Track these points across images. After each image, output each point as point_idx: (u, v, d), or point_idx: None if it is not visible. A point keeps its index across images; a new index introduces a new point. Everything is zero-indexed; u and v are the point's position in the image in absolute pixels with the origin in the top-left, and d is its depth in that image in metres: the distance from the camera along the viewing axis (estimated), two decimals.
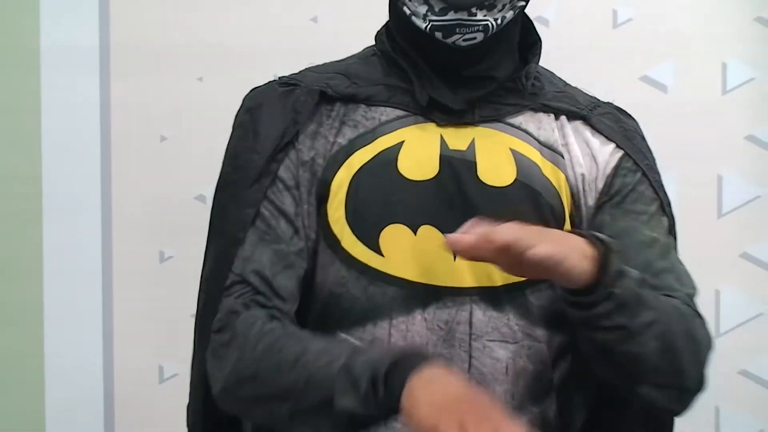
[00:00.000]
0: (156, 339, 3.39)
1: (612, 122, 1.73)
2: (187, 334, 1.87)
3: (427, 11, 1.60)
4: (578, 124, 1.71)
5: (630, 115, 1.77)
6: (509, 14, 1.62)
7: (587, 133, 1.71)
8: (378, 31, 1.81)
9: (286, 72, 1.86)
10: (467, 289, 1.62)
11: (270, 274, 1.61)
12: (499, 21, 1.60)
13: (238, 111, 1.75)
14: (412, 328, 1.62)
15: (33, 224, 3.32)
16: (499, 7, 1.60)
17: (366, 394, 1.35)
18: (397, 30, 1.72)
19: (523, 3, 1.63)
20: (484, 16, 1.59)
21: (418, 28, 1.61)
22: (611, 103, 1.76)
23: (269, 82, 1.77)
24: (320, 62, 1.85)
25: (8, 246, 3.36)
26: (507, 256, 1.41)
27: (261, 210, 1.63)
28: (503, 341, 1.64)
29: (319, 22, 3.38)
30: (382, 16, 1.84)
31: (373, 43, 1.82)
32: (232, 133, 1.76)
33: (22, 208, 3.34)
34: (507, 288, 1.63)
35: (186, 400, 1.88)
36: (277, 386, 1.49)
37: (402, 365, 1.34)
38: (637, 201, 1.70)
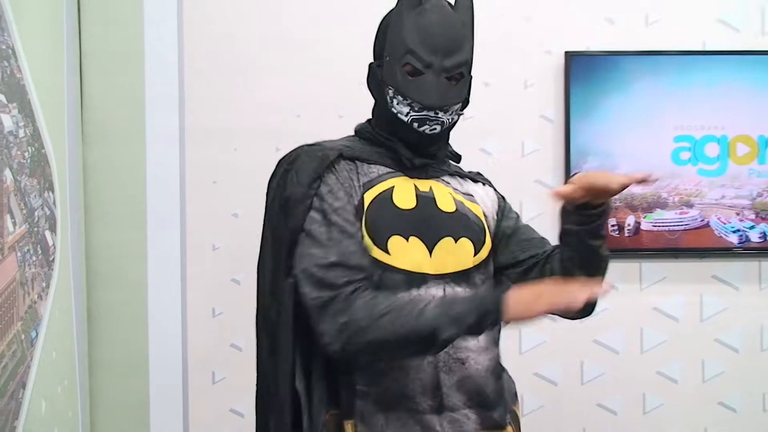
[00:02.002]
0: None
1: (483, 179, 2.42)
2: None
3: (408, 111, 2.09)
4: (467, 179, 2.35)
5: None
6: (455, 117, 2.17)
7: (477, 184, 2.37)
8: (359, 126, 2.29)
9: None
10: (441, 274, 2.11)
11: (358, 258, 2.03)
12: (449, 120, 2.15)
13: (279, 167, 2.21)
14: (411, 294, 2.07)
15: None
16: (450, 113, 2.14)
17: (470, 325, 1.89)
18: (382, 123, 2.20)
19: (462, 113, 2.19)
20: (442, 116, 2.12)
21: (401, 120, 2.11)
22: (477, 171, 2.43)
23: (296, 148, 2.21)
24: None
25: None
26: (589, 191, 2.02)
27: (333, 218, 2.05)
28: None
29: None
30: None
31: (353, 132, 2.31)
32: (273, 179, 2.21)
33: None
34: (461, 273, 2.14)
35: None
36: (388, 330, 1.92)
37: (499, 300, 1.88)
38: (510, 211, 2.38)
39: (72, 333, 3.36)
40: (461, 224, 2.16)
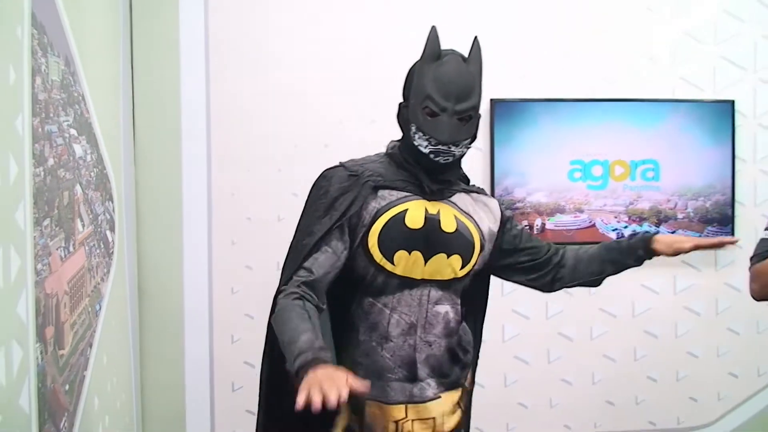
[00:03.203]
0: None
1: (485, 193, 2.26)
2: None
3: (427, 144, 1.99)
4: (475, 195, 2.20)
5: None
6: (464, 149, 2.05)
7: (482, 198, 2.22)
8: (392, 149, 2.15)
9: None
10: (428, 280, 2.07)
11: (313, 268, 1.98)
12: (460, 152, 2.04)
13: (319, 178, 2.12)
14: (402, 298, 2.06)
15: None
16: (461, 146, 2.02)
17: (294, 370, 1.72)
18: (406, 151, 2.08)
19: (470, 146, 2.05)
20: (454, 149, 2.01)
21: (421, 151, 2.02)
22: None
23: (338, 165, 2.11)
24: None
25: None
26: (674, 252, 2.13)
27: (329, 232, 1.99)
28: (442, 304, 2.10)
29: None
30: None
31: (388, 143, 2.20)
32: (313, 190, 2.11)
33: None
34: (445, 281, 2.09)
35: None
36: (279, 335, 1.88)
37: (310, 363, 1.69)
38: (511, 221, 2.26)
39: (126, 305, 3.36)
40: (456, 243, 2.07)
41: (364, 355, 2.08)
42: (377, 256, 2.02)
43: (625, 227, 3.89)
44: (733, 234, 3.91)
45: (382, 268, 2.03)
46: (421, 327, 2.07)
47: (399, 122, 2.13)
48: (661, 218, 3.90)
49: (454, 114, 1.98)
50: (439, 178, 2.09)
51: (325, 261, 2.00)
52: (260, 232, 3.72)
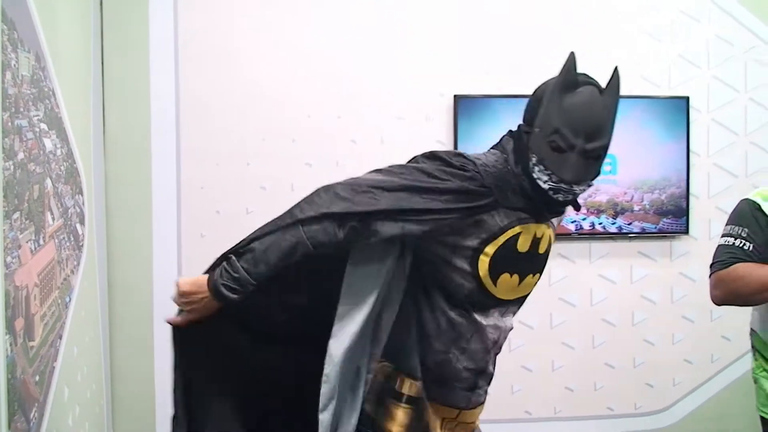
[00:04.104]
0: None
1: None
2: None
3: (547, 180, 1.76)
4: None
5: None
6: (587, 188, 1.83)
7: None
8: (500, 155, 1.89)
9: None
10: (510, 300, 1.94)
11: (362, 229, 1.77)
12: (581, 190, 1.82)
13: (450, 158, 1.83)
14: (491, 316, 1.91)
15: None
16: (583, 186, 1.80)
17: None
18: (524, 174, 1.82)
19: (592, 183, 1.83)
20: (576, 188, 1.79)
21: (539, 186, 1.78)
22: None
23: (470, 161, 1.83)
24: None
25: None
26: None
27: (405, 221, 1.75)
28: (510, 317, 2.00)
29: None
30: None
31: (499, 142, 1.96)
32: (434, 162, 1.82)
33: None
34: (513, 300, 1.97)
35: None
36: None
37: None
38: None
39: (96, 297, 3.35)
40: (543, 262, 1.98)
41: (436, 364, 1.92)
42: (484, 275, 1.85)
43: (584, 219, 3.94)
44: (687, 226, 3.98)
45: (483, 288, 1.86)
46: (499, 344, 1.99)
47: (516, 145, 1.88)
48: (617, 210, 3.96)
49: (582, 153, 1.75)
50: (558, 209, 1.92)
51: (388, 230, 1.76)
52: (229, 225, 3.72)
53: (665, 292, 4.10)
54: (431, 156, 1.84)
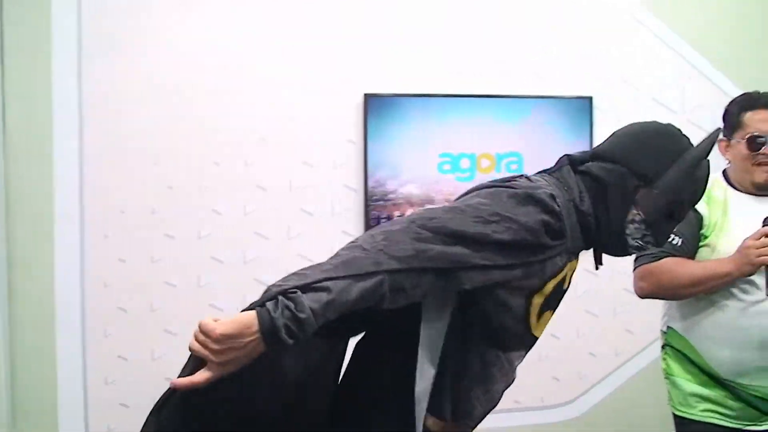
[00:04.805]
0: None
1: None
2: None
3: (638, 238, 1.65)
4: None
5: None
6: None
7: None
8: (569, 191, 1.66)
9: None
10: (537, 337, 1.74)
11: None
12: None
13: (543, 203, 1.55)
14: (519, 354, 1.73)
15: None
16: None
17: None
18: (602, 215, 1.66)
19: None
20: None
21: (623, 237, 1.66)
22: None
23: (556, 207, 1.57)
24: None
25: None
26: None
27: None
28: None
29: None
30: None
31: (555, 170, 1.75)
32: (533, 212, 1.54)
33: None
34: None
35: None
36: None
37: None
38: None
39: None
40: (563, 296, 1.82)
41: (457, 401, 1.68)
42: (534, 314, 1.68)
43: None
44: None
45: (527, 326, 1.68)
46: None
47: (612, 187, 1.67)
48: None
49: (678, 221, 1.70)
50: (616, 255, 1.78)
51: (473, 282, 1.52)
52: (134, 225, 3.65)
53: (570, 288, 4.11)
54: (529, 198, 1.55)
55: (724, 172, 2.51)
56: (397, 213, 3.88)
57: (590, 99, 4.10)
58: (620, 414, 4.20)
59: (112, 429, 3.69)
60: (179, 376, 1.36)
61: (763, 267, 2.25)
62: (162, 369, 3.68)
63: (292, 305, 1.33)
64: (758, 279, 2.29)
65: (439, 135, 3.95)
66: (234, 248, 3.78)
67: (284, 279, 1.40)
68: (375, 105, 3.87)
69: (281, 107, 3.82)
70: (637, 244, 1.66)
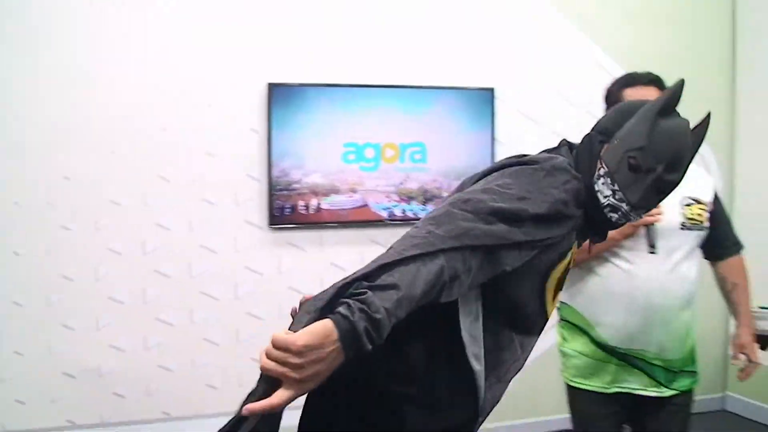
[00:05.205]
0: None
1: None
2: None
3: (609, 195, 1.61)
4: None
5: None
6: (636, 218, 1.66)
7: None
8: (572, 173, 1.60)
9: None
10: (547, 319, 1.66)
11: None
12: (633, 218, 1.65)
13: (567, 171, 1.56)
14: (533, 339, 1.65)
15: None
16: (638, 215, 1.64)
17: None
18: (586, 191, 1.63)
19: (641, 217, 1.68)
20: (633, 215, 1.62)
21: (597, 198, 1.62)
22: None
23: (579, 183, 1.58)
24: None
25: None
26: None
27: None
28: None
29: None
30: None
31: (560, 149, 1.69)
32: (560, 183, 1.53)
33: None
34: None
35: None
36: None
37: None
38: None
39: None
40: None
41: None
42: (551, 292, 1.63)
43: (395, 206, 4.04)
44: None
45: (543, 307, 1.63)
46: None
47: (580, 152, 1.69)
48: (427, 197, 4.09)
49: (657, 180, 1.61)
50: (603, 231, 1.73)
51: (512, 261, 1.46)
52: (29, 217, 3.57)
53: None
54: (558, 169, 1.56)
55: None
56: (301, 203, 3.88)
57: (492, 90, 4.18)
58: (525, 393, 4.29)
59: (6, 427, 3.61)
60: (244, 403, 1.22)
61: (642, 227, 2.35)
62: (59, 364, 3.64)
63: (365, 307, 1.23)
64: (641, 241, 2.37)
65: (344, 125, 3.97)
66: (133, 240, 3.72)
67: (345, 279, 1.30)
68: (279, 94, 3.85)
69: (183, 96, 3.78)
70: (606, 202, 1.61)
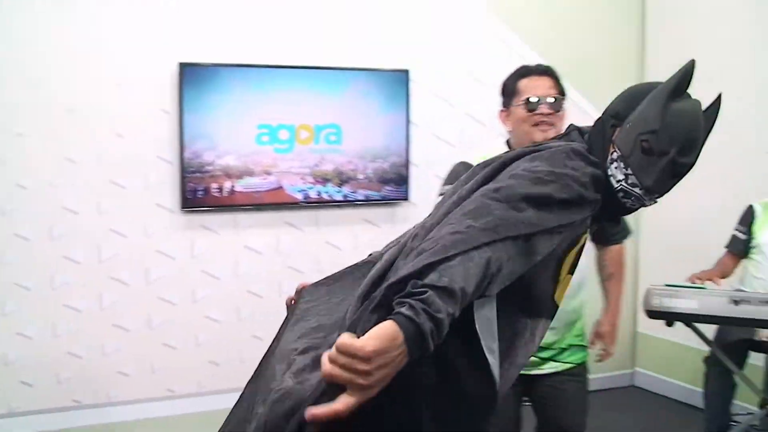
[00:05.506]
0: None
1: None
2: None
3: (622, 179, 1.59)
4: None
5: None
6: (651, 203, 1.64)
7: None
8: (586, 157, 1.61)
9: None
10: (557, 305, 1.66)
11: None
12: (648, 203, 1.63)
13: (585, 155, 1.59)
14: (546, 321, 1.65)
15: None
16: (652, 200, 1.61)
17: None
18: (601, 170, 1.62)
19: (656, 202, 1.65)
20: (647, 200, 1.61)
21: (609, 183, 1.60)
22: None
23: (595, 169, 1.58)
24: None
25: None
26: None
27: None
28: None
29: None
30: None
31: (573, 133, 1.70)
32: (580, 166, 1.55)
33: None
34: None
35: None
36: None
37: None
38: None
39: None
40: None
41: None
42: (564, 273, 1.64)
43: (311, 188, 4.03)
44: (407, 193, 4.19)
45: (554, 292, 1.64)
46: None
47: (592, 136, 1.69)
48: (343, 179, 4.10)
49: (671, 163, 1.58)
50: (617, 216, 1.74)
51: (543, 248, 1.47)
52: None
53: (311, 261, 4.17)
54: (572, 153, 1.58)
55: (508, 142, 2.66)
56: (214, 185, 3.84)
57: (407, 72, 4.20)
58: None
59: None
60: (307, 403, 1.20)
61: None
62: None
63: (427, 307, 1.22)
64: None
65: (258, 106, 3.93)
66: (39, 224, 3.63)
67: (396, 277, 1.28)
68: (191, 74, 3.79)
69: (90, 76, 3.69)
70: (619, 186, 1.60)
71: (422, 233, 1.46)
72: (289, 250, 4.09)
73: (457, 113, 4.38)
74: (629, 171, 1.57)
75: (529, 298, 1.57)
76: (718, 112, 1.64)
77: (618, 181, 1.58)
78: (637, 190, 1.58)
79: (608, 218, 1.69)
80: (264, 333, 3.84)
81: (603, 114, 1.67)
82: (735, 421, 3.74)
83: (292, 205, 4.03)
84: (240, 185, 3.91)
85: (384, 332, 1.18)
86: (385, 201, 4.22)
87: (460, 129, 4.37)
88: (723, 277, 3.58)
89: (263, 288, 4.04)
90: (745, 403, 3.89)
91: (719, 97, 1.65)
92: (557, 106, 2.53)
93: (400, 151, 4.20)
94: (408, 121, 4.20)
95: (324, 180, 4.08)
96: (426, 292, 1.22)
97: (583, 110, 4.55)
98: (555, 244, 1.48)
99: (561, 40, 4.52)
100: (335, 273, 1.68)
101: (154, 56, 3.78)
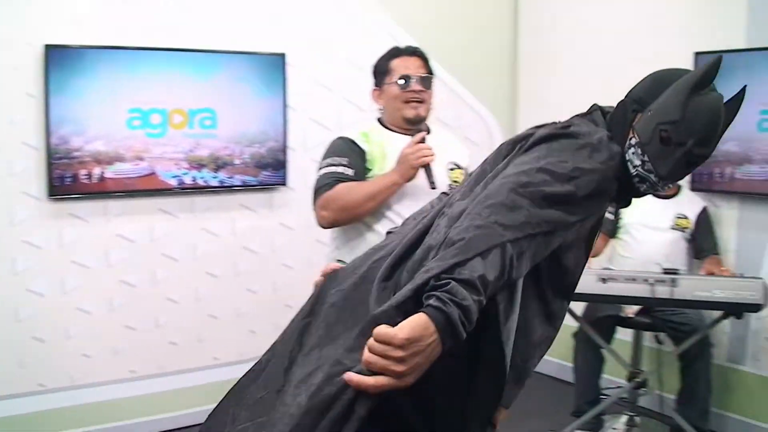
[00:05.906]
0: None
1: None
2: None
3: (639, 165, 1.64)
4: None
5: None
6: (664, 190, 1.74)
7: None
8: (600, 123, 1.70)
9: None
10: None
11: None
12: (661, 188, 1.70)
13: (608, 146, 1.62)
14: (563, 303, 1.73)
15: None
16: (666, 186, 1.70)
17: None
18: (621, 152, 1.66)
19: (671, 187, 1.81)
20: (660, 187, 1.68)
21: (626, 167, 1.65)
22: None
23: (616, 159, 1.63)
24: None
25: None
26: None
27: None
28: None
29: None
30: None
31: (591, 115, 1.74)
32: (606, 158, 1.60)
33: None
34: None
35: None
36: None
37: None
38: None
39: None
40: None
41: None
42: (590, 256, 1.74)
43: (185, 173, 3.96)
44: (285, 178, 4.18)
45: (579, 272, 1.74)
46: None
47: (615, 117, 1.72)
48: (219, 164, 4.05)
49: (687, 154, 1.62)
50: (628, 200, 1.77)
51: (557, 240, 1.55)
52: None
53: (266, 242, 4.27)
54: (595, 146, 1.61)
55: (380, 120, 2.81)
56: (83, 172, 3.71)
57: (283, 56, 4.17)
58: None
59: None
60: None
61: (422, 168, 2.57)
62: None
63: (453, 296, 1.31)
64: (420, 189, 2.56)
65: (128, 89, 3.82)
66: None
67: (424, 271, 1.39)
68: (57, 57, 3.65)
69: None
70: (636, 172, 1.65)
71: (450, 213, 1.56)
72: (163, 238, 4.01)
73: (335, 98, 4.39)
74: (646, 158, 1.62)
75: (563, 280, 1.68)
76: (740, 105, 1.69)
77: (635, 167, 1.64)
78: (652, 176, 1.64)
79: (621, 199, 1.75)
80: (135, 323, 3.89)
81: (626, 97, 1.73)
82: (605, 394, 3.93)
83: (166, 191, 3.95)
84: (110, 171, 3.79)
85: (416, 322, 1.28)
86: (263, 186, 4.20)
87: (338, 113, 4.37)
88: (594, 256, 3.74)
89: (136, 278, 3.95)
90: (613, 377, 4.06)
91: (743, 89, 1.69)
92: (427, 84, 2.72)
93: (277, 136, 4.18)
94: (285, 105, 4.19)
95: (199, 165, 4.01)
96: (449, 283, 1.32)
97: (456, 94, 4.69)
98: (575, 232, 1.58)
99: (437, 27, 4.59)
100: (357, 258, 1.77)
101: (18, 37, 3.60)
